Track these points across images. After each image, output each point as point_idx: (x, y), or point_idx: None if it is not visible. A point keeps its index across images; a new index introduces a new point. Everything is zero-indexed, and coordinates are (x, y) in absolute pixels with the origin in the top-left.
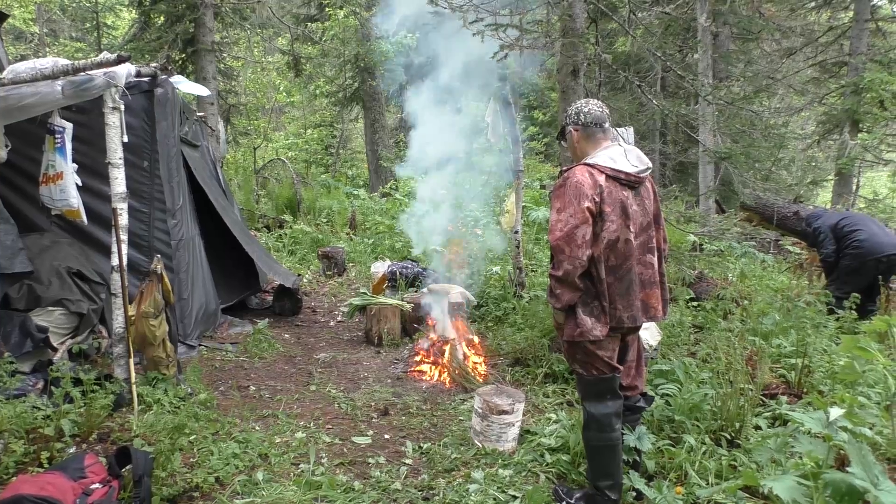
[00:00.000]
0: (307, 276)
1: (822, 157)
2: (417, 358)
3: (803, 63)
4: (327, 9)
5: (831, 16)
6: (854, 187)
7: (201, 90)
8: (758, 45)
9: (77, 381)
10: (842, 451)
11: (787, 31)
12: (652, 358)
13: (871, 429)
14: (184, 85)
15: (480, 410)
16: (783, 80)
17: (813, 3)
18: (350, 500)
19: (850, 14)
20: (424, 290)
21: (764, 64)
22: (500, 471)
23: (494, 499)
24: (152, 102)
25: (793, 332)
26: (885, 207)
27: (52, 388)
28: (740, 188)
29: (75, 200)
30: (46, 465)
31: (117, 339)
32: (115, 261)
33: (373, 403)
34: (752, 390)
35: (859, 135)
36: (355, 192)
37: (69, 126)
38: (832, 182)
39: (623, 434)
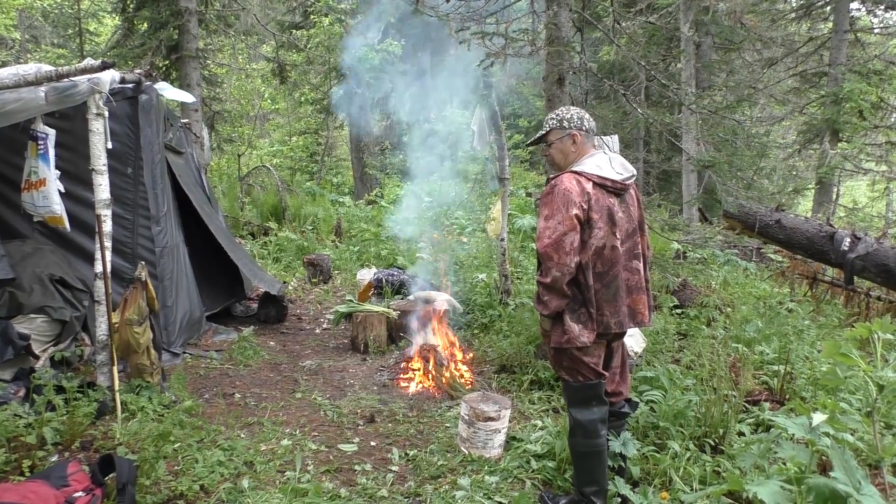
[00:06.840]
0: (292, 283)
1: (802, 166)
2: (404, 365)
3: (784, 73)
4: (312, 16)
5: (811, 27)
6: (834, 196)
7: (186, 97)
8: (739, 55)
9: (59, 389)
10: (824, 457)
11: (768, 42)
12: (637, 365)
13: (852, 434)
14: (168, 91)
15: (467, 417)
16: (764, 89)
17: (793, 15)
18: None
19: (830, 25)
20: (410, 297)
21: (745, 74)
22: (487, 477)
23: None
24: (136, 109)
25: (775, 339)
26: (865, 216)
27: (34, 395)
28: (724, 196)
29: (58, 207)
30: (28, 474)
31: (101, 346)
32: (98, 268)
33: (359, 411)
34: (735, 397)
35: (839, 144)
36: (340, 200)
37: (52, 132)
38: (813, 191)
39: (608, 440)
